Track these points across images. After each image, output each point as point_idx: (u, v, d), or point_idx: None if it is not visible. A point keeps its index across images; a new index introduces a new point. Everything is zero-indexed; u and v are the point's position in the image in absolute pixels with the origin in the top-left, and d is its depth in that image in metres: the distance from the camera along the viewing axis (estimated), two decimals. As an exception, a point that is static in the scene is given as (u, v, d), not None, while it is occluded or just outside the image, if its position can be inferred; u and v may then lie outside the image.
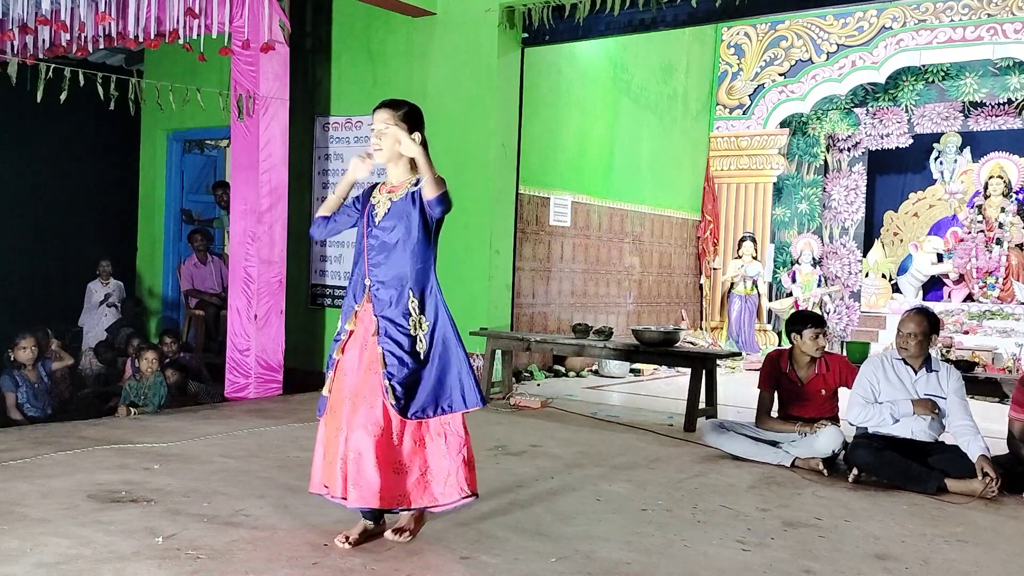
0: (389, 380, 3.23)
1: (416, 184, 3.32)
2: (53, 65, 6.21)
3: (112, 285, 9.33)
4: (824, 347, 5.19)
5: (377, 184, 3.49)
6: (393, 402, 3.22)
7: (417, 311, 3.31)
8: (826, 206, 11.57)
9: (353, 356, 3.35)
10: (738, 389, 8.02)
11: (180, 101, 7.01)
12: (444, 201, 3.25)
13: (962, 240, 10.43)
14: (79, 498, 3.85)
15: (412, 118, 3.38)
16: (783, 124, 11.23)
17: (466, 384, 3.33)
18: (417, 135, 3.36)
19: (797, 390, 5.23)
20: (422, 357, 3.29)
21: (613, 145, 9.74)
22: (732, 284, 10.87)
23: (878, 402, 4.77)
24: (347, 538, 3.31)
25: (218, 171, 10.06)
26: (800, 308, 10.16)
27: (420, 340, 3.30)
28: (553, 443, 5.48)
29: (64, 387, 6.84)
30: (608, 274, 9.79)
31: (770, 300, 11.08)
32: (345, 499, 3.24)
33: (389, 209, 3.34)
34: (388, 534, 3.38)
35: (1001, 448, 4.80)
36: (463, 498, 3.34)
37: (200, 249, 9.01)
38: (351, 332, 3.37)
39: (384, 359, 3.25)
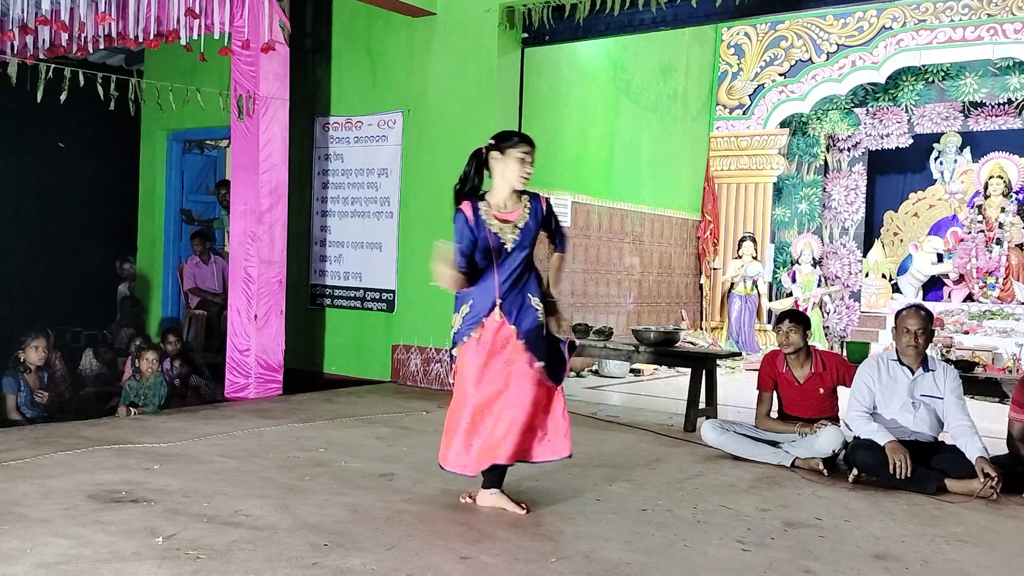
0: (540, 360, 3.85)
1: (531, 206, 4.01)
2: (53, 65, 6.20)
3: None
4: (794, 344, 5.19)
5: (479, 203, 3.95)
6: (545, 376, 3.87)
7: (540, 305, 3.92)
8: (826, 206, 11.57)
9: (481, 355, 3.88)
10: (738, 389, 8.03)
11: (180, 101, 7.00)
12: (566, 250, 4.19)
13: (962, 240, 10.43)
14: (79, 498, 3.85)
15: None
16: (783, 124, 11.23)
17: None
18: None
19: (794, 390, 5.23)
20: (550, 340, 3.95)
21: (613, 145, 9.73)
22: (732, 284, 10.87)
23: (874, 414, 4.77)
24: (470, 495, 3.99)
25: (218, 171, 10.06)
26: (800, 308, 10.17)
27: (544, 326, 3.92)
28: (553, 443, 5.46)
29: (64, 388, 6.84)
30: (608, 274, 9.79)
31: (770, 300, 11.08)
32: (503, 461, 3.85)
33: (518, 237, 3.90)
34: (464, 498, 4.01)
35: (1001, 448, 4.81)
36: (568, 455, 4.00)
37: (200, 250, 9.02)
38: (477, 338, 3.88)
39: (527, 347, 3.84)
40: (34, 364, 6.39)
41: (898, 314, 4.87)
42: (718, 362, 6.59)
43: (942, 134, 10.96)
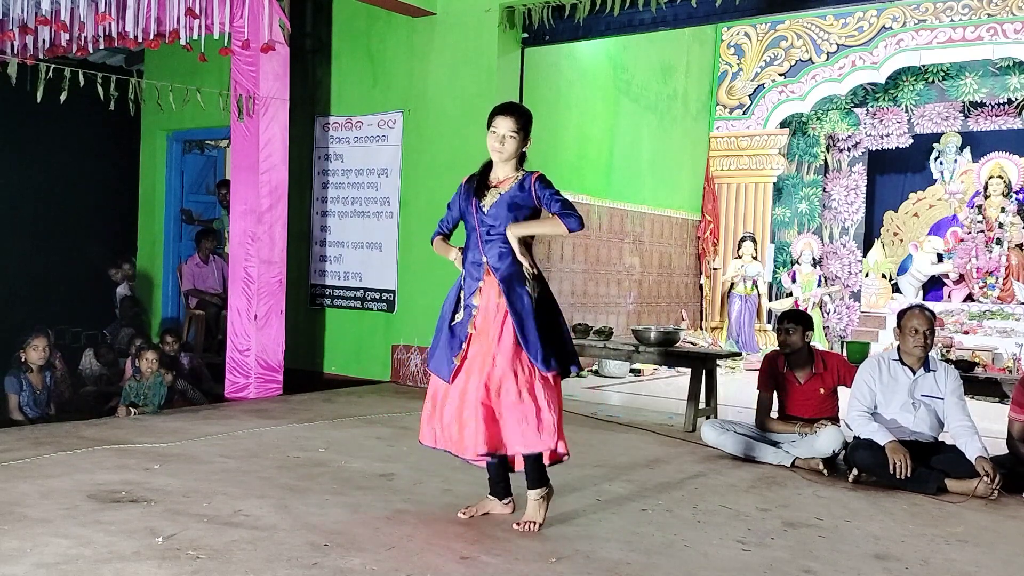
0: (523, 338, 3.57)
1: (522, 177, 3.75)
2: (53, 65, 6.20)
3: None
4: (796, 345, 5.19)
5: (473, 176, 3.85)
6: (535, 358, 3.57)
7: (531, 278, 3.67)
8: (826, 206, 11.57)
9: (482, 327, 3.65)
10: (738, 389, 8.03)
11: (180, 101, 7.00)
12: (576, 225, 3.62)
13: (962, 240, 10.44)
14: (79, 498, 3.85)
15: (528, 128, 3.87)
16: (783, 124, 11.23)
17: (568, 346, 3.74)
18: (529, 142, 3.85)
19: (795, 390, 5.23)
20: (542, 317, 3.65)
21: (613, 145, 9.73)
22: (732, 284, 10.87)
23: (874, 414, 4.76)
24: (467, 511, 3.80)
25: (218, 171, 10.06)
26: (800, 308, 10.17)
27: (534, 301, 3.65)
28: (553, 443, 5.46)
29: (64, 388, 6.84)
30: (608, 274, 9.79)
31: (770, 300, 11.08)
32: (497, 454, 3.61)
33: (497, 200, 3.71)
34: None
35: (1001, 448, 4.81)
36: (563, 454, 3.70)
37: (207, 250, 9.00)
38: (479, 307, 3.68)
39: (515, 319, 3.58)
40: (35, 364, 6.40)
41: (902, 314, 4.85)
42: (718, 362, 6.59)
43: (942, 134, 10.96)
